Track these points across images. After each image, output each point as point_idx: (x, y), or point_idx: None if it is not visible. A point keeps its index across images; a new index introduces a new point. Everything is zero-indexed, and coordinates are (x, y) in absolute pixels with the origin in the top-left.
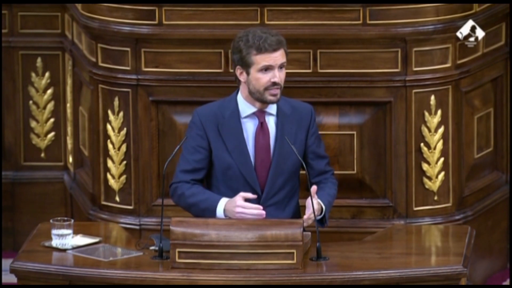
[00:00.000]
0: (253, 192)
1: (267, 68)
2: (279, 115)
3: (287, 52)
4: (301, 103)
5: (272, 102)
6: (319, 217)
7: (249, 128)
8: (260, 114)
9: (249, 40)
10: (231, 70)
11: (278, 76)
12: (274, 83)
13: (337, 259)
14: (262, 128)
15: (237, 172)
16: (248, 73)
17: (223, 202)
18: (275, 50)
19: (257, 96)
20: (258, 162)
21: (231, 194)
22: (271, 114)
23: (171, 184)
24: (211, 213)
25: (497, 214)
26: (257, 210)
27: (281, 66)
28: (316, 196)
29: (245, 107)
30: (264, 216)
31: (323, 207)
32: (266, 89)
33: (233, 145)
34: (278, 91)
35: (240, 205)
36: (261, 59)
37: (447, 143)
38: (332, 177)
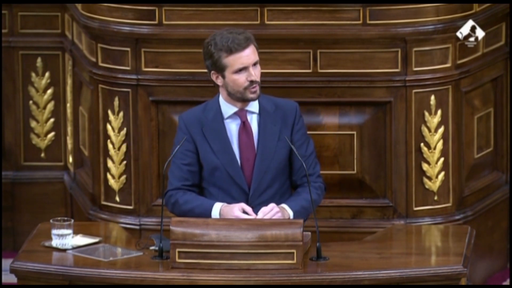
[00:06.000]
0: (241, 190)
1: (241, 69)
2: (261, 113)
3: (257, 47)
4: (285, 101)
5: (253, 99)
6: None
7: (232, 128)
8: (241, 114)
9: (217, 43)
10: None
11: (254, 74)
12: (252, 82)
13: (337, 259)
14: (244, 127)
15: (224, 172)
16: (223, 76)
17: (218, 207)
18: (244, 48)
19: (237, 96)
20: (244, 161)
21: (221, 194)
22: (253, 113)
23: (166, 192)
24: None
25: (497, 214)
26: None
27: (254, 64)
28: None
29: (227, 108)
30: None
31: (290, 214)
32: (245, 88)
33: (218, 146)
34: (257, 88)
35: (237, 215)
36: (234, 61)
37: (447, 143)
38: (318, 180)
